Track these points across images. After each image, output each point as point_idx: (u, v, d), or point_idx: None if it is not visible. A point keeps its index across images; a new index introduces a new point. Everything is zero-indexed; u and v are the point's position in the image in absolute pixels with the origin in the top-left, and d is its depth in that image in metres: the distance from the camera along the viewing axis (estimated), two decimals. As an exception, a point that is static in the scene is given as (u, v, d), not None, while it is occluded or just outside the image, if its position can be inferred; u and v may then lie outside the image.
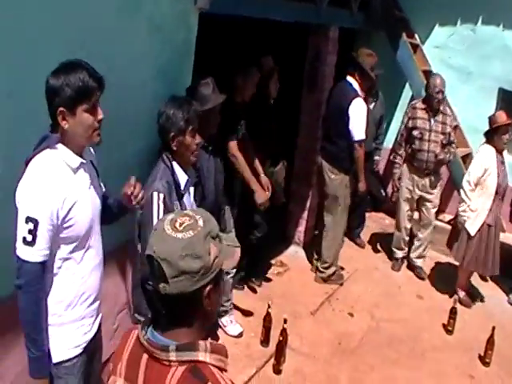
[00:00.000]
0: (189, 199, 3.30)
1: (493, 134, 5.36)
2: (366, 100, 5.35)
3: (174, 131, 3.12)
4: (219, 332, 4.71)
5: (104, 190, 2.69)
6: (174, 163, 3.17)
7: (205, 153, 3.85)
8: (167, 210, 2.94)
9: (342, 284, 5.76)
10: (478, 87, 6.78)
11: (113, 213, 2.76)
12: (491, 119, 5.41)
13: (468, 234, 5.41)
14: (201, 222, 1.51)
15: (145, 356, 1.54)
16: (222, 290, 1.63)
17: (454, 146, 5.87)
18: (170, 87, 3.54)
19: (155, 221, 2.92)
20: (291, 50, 6.38)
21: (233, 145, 4.34)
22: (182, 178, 3.20)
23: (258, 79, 4.63)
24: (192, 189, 3.39)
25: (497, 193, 5.41)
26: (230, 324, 4.76)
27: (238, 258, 1.62)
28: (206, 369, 1.48)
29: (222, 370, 1.51)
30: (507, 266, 5.78)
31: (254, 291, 5.40)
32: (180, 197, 3.15)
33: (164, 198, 3.00)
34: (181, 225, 1.50)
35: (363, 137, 5.25)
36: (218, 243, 1.54)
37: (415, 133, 5.76)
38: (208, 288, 1.50)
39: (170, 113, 3.13)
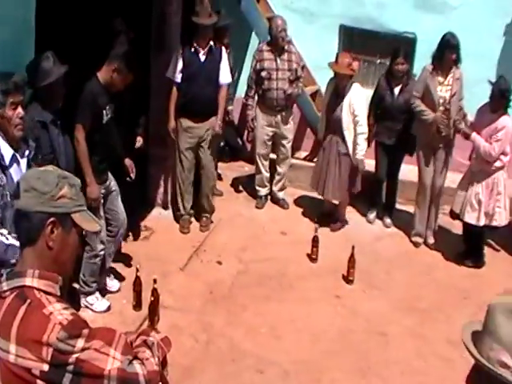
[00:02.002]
0: (19, 172, 3.17)
1: None
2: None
3: (-9, 105, 3.03)
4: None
5: None
6: None
7: (54, 128, 3.83)
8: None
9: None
10: (321, 26, 6.99)
11: None
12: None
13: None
14: (61, 171, 1.83)
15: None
16: (72, 241, 1.78)
17: (301, 80, 6.18)
18: (10, 66, 3.46)
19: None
20: (138, 12, 6.21)
21: (79, 128, 4.19)
22: (7, 152, 3.13)
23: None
24: (24, 162, 3.27)
25: None
26: (97, 301, 4.67)
27: (96, 227, 1.88)
28: (30, 292, 1.65)
29: (51, 294, 1.68)
30: (364, 188, 6.15)
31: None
32: (3, 169, 3.08)
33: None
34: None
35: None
36: (75, 191, 1.77)
37: (263, 73, 5.98)
38: (51, 219, 1.69)
39: None
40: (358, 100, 5.68)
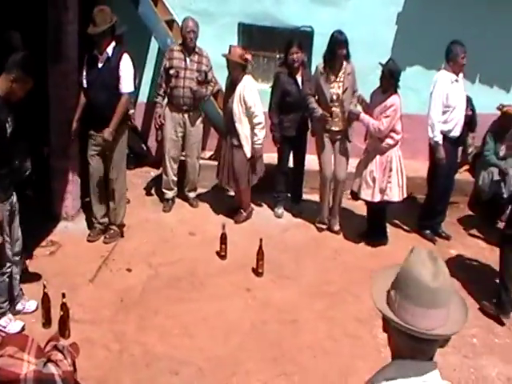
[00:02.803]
0: None
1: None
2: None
3: None
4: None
5: None
6: None
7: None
8: None
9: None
10: (220, 26, 7.09)
11: None
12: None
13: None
14: None
15: None
16: None
17: (211, 84, 6.30)
18: None
19: None
20: (35, 23, 6.02)
21: None
22: None
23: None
24: None
25: None
26: (10, 322, 4.51)
27: None
28: None
29: None
30: (269, 182, 6.27)
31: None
32: None
33: None
34: None
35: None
36: None
37: (171, 71, 6.10)
38: None
39: None
40: (248, 91, 5.81)
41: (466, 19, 6.84)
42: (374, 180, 5.67)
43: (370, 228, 6.03)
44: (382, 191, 5.67)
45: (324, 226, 6.16)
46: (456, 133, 5.89)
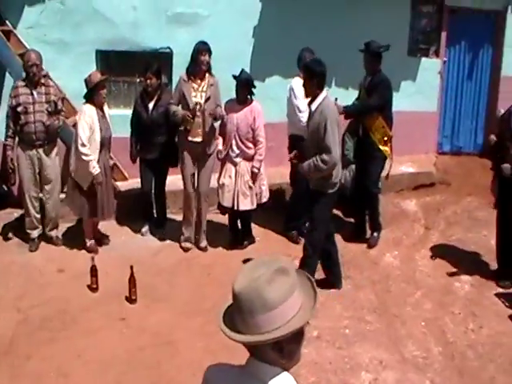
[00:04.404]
0: None
1: (92, 93, 5.77)
2: None
3: None
4: None
5: None
6: None
7: None
8: None
9: None
10: (77, 55, 7.00)
11: None
12: (87, 80, 5.78)
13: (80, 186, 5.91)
14: None
15: None
16: None
17: (62, 114, 6.20)
18: None
19: None
20: None
21: None
22: None
23: None
24: None
25: (102, 145, 5.88)
26: None
27: None
28: None
29: None
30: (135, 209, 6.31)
31: None
32: None
33: None
34: None
35: None
36: None
37: (19, 109, 5.90)
38: None
39: None
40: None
41: (318, 27, 7.30)
42: (250, 188, 5.99)
43: (236, 235, 6.36)
44: (258, 195, 6.06)
45: (189, 245, 6.26)
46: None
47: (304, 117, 5.80)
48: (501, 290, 5.81)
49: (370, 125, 6.20)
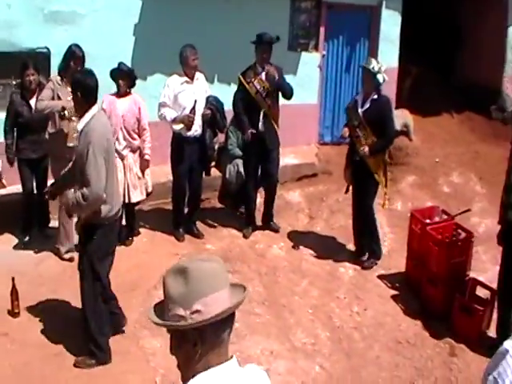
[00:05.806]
0: None
1: None
2: None
3: None
4: None
5: None
6: None
7: None
8: None
9: None
10: None
11: None
12: None
13: None
14: None
15: None
16: None
17: None
18: None
19: None
20: None
21: None
22: None
23: None
24: None
25: None
26: None
27: None
28: None
29: None
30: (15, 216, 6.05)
31: None
32: None
33: None
34: None
35: None
36: None
37: None
38: None
39: None
40: None
41: (200, 24, 7.31)
42: (139, 179, 6.08)
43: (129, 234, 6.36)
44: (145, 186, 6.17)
45: (67, 256, 5.97)
46: (195, 132, 6.25)
47: (162, 111, 6.12)
48: (383, 272, 6.14)
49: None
